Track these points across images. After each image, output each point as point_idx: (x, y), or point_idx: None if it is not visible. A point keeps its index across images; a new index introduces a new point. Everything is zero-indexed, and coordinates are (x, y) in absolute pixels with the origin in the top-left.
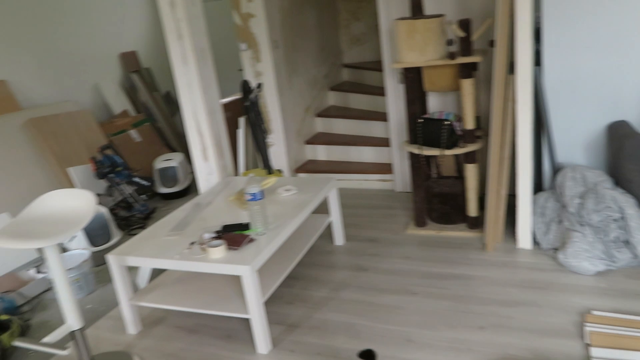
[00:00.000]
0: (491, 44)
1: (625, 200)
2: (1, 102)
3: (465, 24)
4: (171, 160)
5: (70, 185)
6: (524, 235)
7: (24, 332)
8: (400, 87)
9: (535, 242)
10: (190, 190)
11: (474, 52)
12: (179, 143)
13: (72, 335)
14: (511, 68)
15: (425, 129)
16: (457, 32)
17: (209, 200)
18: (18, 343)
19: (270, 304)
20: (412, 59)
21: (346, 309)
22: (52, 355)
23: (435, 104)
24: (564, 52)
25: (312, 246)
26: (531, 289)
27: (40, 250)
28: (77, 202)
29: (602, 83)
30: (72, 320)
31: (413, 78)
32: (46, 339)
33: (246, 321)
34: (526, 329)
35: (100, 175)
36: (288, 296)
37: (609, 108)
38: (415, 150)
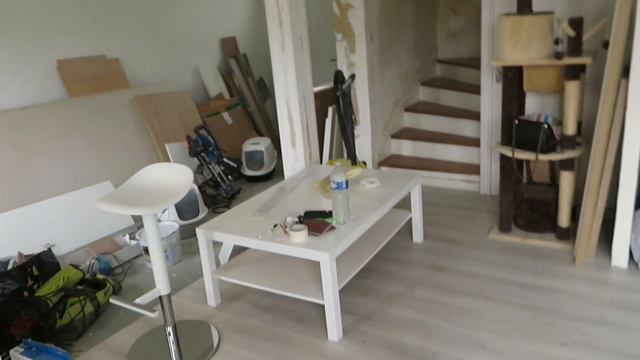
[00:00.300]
0: (605, 45)
1: None
2: (114, 79)
3: (577, 23)
4: (259, 144)
5: (166, 160)
6: (619, 252)
7: (115, 292)
8: (496, 86)
9: (632, 261)
10: (274, 174)
11: (584, 53)
12: (266, 128)
13: (160, 299)
14: (625, 72)
15: (520, 130)
16: (567, 31)
17: (293, 185)
18: (114, 300)
19: (344, 293)
20: (514, 57)
21: (419, 307)
22: (140, 315)
23: (533, 106)
24: None
25: (390, 241)
26: (623, 309)
27: (134, 219)
28: (177, 176)
29: None
30: (162, 286)
31: (513, 77)
32: (138, 300)
33: (319, 307)
34: (614, 351)
35: (193, 153)
36: (362, 287)
37: None
38: (508, 152)
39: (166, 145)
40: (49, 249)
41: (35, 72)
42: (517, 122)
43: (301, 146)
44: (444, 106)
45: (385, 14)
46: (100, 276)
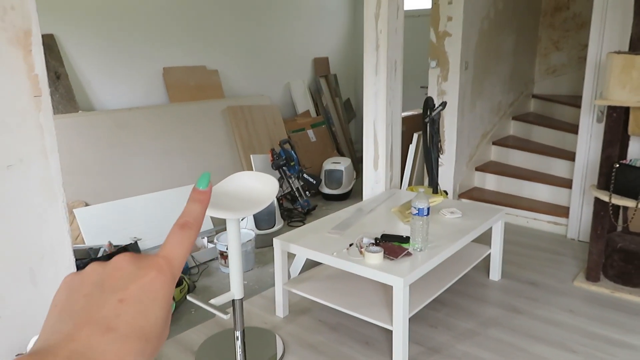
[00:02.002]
0: None
1: None
2: (211, 89)
3: None
4: (339, 163)
5: (250, 169)
6: None
7: (190, 290)
8: (596, 126)
9: None
10: (351, 195)
11: None
12: (348, 149)
13: (233, 303)
14: None
15: (621, 175)
16: None
17: (372, 207)
18: (191, 298)
19: (413, 322)
20: (622, 98)
21: (492, 348)
22: (211, 316)
23: (636, 151)
24: None
25: (465, 275)
26: None
27: (214, 223)
28: (263, 185)
29: None
30: (236, 290)
31: (617, 118)
32: (212, 301)
33: (387, 332)
34: None
35: (276, 166)
36: (432, 319)
37: None
38: (605, 197)
39: (251, 155)
40: (136, 242)
41: (142, 77)
42: (617, 165)
43: (383, 169)
44: (535, 143)
45: (482, 43)
46: None
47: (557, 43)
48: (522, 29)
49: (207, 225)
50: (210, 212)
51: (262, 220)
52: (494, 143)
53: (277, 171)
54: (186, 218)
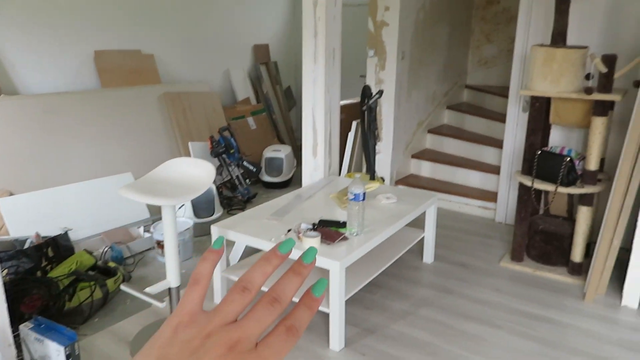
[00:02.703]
0: (636, 84)
1: None
2: (146, 74)
3: (610, 60)
4: (279, 151)
5: (188, 157)
6: (631, 292)
7: (125, 281)
8: (522, 116)
9: None
10: (292, 182)
11: (614, 90)
12: (289, 137)
13: (169, 291)
14: None
15: (542, 161)
16: (599, 67)
17: (310, 193)
18: (125, 287)
19: (350, 305)
20: (544, 88)
21: (424, 327)
22: (146, 306)
23: (557, 138)
24: None
25: (400, 258)
26: (630, 350)
27: (150, 212)
28: (199, 171)
29: None
30: (172, 278)
31: (540, 108)
32: (148, 289)
33: (324, 316)
34: None
35: (215, 153)
36: (368, 301)
37: None
38: (528, 181)
39: (189, 143)
40: (66, 233)
41: (72, 61)
42: (539, 152)
43: (322, 156)
44: (467, 131)
45: (419, 34)
46: (112, 264)
47: (488, 36)
48: (456, 21)
49: (143, 214)
50: (144, 199)
51: (201, 208)
52: (429, 131)
53: (216, 159)
54: (293, 322)
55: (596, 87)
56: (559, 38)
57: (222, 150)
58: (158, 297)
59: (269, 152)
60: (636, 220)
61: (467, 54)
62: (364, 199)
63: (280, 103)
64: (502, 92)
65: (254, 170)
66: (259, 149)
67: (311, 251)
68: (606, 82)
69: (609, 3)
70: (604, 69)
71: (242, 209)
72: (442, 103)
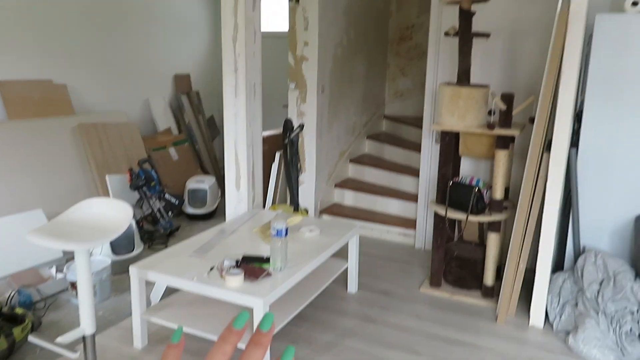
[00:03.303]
0: (531, 120)
1: None
2: (58, 104)
3: (508, 98)
4: (203, 182)
5: (105, 191)
6: (537, 312)
7: (34, 328)
8: (436, 147)
9: (548, 322)
10: (216, 214)
11: (513, 125)
12: (213, 167)
13: (83, 339)
14: (547, 146)
15: (454, 191)
16: (499, 105)
17: (234, 228)
18: (32, 338)
19: (276, 340)
20: (452, 124)
21: (349, 358)
22: (59, 355)
23: (467, 168)
24: (601, 137)
25: (325, 289)
26: None
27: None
28: (115, 212)
29: (635, 173)
30: (87, 325)
31: (449, 141)
32: (59, 339)
33: None
34: None
35: (134, 187)
36: (294, 335)
37: (638, 200)
38: (441, 211)
39: (107, 176)
40: None
41: None
42: (451, 183)
43: (245, 189)
44: (387, 160)
45: (337, 68)
46: (19, 310)
47: (403, 69)
48: (372, 56)
49: (55, 253)
50: (55, 245)
51: (120, 245)
52: (351, 161)
53: (136, 192)
54: None
55: (498, 122)
56: (463, 77)
57: (142, 183)
58: (71, 346)
59: (192, 183)
60: (538, 244)
61: (384, 86)
62: (286, 234)
63: (203, 133)
64: (418, 122)
65: (176, 202)
66: (182, 180)
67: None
68: (506, 118)
69: (506, 45)
70: (503, 107)
71: (165, 244)
72: (363, 133)
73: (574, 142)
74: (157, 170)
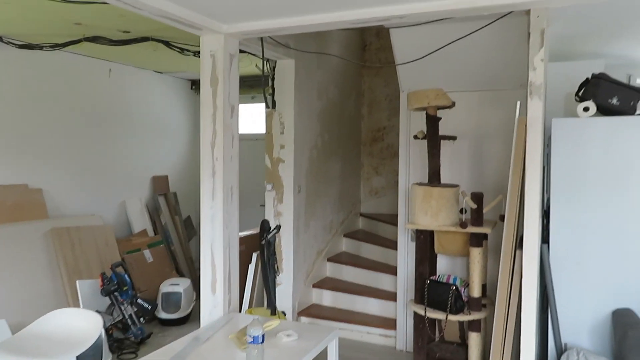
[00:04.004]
0: (501, 218)
1: None
2: (32, 209)
3: (477, 197)
4: (178, 285)
5: (75, 297)
6: None
7: None
8: (412, 244)
9: None
10: (190, 318)
11: (485, 223)
12: (188, 269)
13: None
14: (520, 243)
15: (432, 290)
16: (469, 203)
17: (209, 334)
18: None
19: None
20: (425, 222)
21: None
22: None
23: (444, 266)
24: (570, 233)
25: None
26: None
27: None
28: (83, 323)
29: (607, 268)
30: None
31: (425, 239)
32: None
33: None
34: None
35: (106, 292)
36: None
37: (614, 293)
38: (421, 311)
39: (77, 282)
40: None
41: None
42: (428, 282)
43: (221, 292)
44: (364, 259)
45: (313, 169)
46: None
47: (376, 168)
48: (347, 156)
49: None
50: None
51: (87, 355)
52: (328, 260)
53: (107, 297)
54: None
55: (470, 220)
56: (434, 177)
57: (114, 287)
58: None
59: (166, 287)
60: (519, 343)
61: (359, 184)
62: (262, 341)
63: (180, 234)
64: (393, 219)
65: (149, 307)
66: (156, 283)
67: None
68: (477, 217)
69: (472, 147)
70: (473, 205)
71: (135, 353)
72: (340, 231)
73: (545, 238)
74: (131, 273)
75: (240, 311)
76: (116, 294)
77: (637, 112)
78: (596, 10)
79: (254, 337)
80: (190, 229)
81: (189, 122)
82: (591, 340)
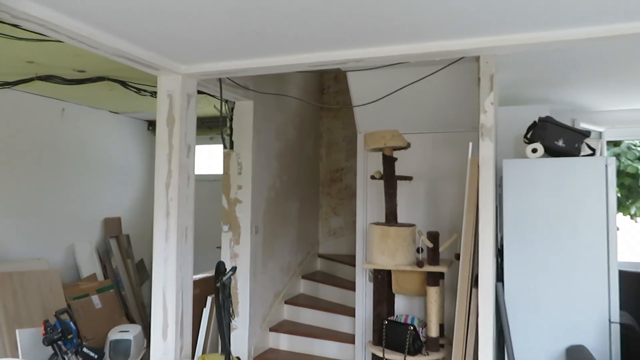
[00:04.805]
0: (457, 257)
1: None
2: None
3: (433, 236)
4: (127, 332)
5: (13, 348)
6: None
7: None
8: (370, 285)
9: None
10: None
11: (441, 262)
12: (140, 314)
13: None
14: (475, 281)
15: (390, 331)
16: (426, 242)
17: None
18: None
19: None
20: (383, 262)
21: None
22: None
23: (402, 306)
24: (523, 271)
25: None
26: None
27: None
28: None
29: (560, 305)
30: None
31: (382, 279)
32: None
33: None
34: None
35: (49, 341)
36: None
37: (567, 330)
38: (379, 352)
39: (17, 331)
40: None
41: None
42: (386, 322)
43: (173, 338)
44: (323, 300)
45: (271, 209)
46: None
47: (335, 209)
48: (305, 197)
49: None
50: None
51: None
52: (286, 302)
53: (50, 347)
54: None
55: (426, 260)
56: (390, 217)
57: (57, 336)
58: None
59: (115, 334)
60: None
61: (318, 225)
62: None
63: (131, 278)
64: (351, 260)
65: (96, 357)
66: (105, 330)
67: None
68: (434, 256)
69: (428, 187)
70: (429, 244)
71: None
72: (297, 273)
73: (500, 276)
74: (77, 320)
75: (193, 358)
76: (60, 342)
77: (582, 153)
78: (541, 58)
79: None
80: (143, 273)
81: (144, 163)
82: None
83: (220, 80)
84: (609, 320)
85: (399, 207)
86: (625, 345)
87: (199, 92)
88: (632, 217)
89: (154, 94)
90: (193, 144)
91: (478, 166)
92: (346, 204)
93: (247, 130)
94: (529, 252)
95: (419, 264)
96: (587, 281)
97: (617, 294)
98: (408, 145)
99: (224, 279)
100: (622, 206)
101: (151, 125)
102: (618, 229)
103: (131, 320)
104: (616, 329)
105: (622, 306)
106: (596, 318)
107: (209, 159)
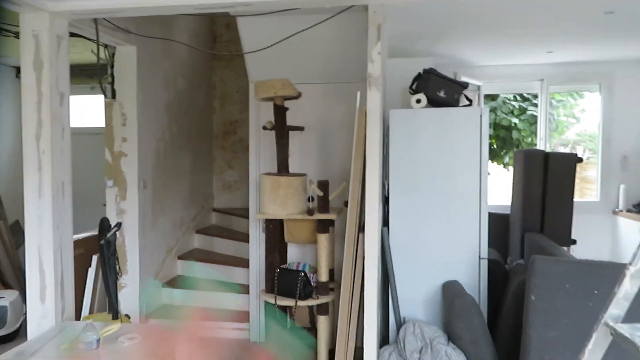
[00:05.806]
0: (346, 204)
1: (456, 355)
2: None
3: (324, 185)
4: (3, 298)
5: None
6: None
7: None
8: (263, 236)
9: None
10: (20, 333)
11: (331, 209)
12: (17, 280)
13: None
14: (362, 227)
15: (282, 278)
16: (316, 191)
17: (36, 347)
18: None
19: None
20: (274, 212)
21: None
22: None
23: (295, 254)
24: (406, 217)
25: None
26: None
27: None
28: None
29: (437, 246)
30: None
31: (274, 229)
32: None
33: None
34: None
35: None
36: None
37: (444, 268)
38: (271, 299)
39: None
40: None
41: None
42: (278, 270)
43: (52, 301)
44: (218, 254)
45: (160, 163)
46: None
47: (229, 162)
48: (198, 150)
49: None
50: None
51: None
52: (179, 257)
53: None
54: None
55: (317, 208)
56: (282, 167)
57: None
58: None
59: None
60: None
61: (212, 179)
62: (98, 346)
63: (5, 240)
64: (246, 213)
65: None
66: None
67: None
68: (324, 204)
69: (319, 138)
70: (320, 193)
71: None
72: (191, 227)
73: (386, 222)
74: None
75: (80, 319)
76: None
77: (460, 104)
78: (426, 11)
79: (87, 344)
80: (19, 235)
81: (15, 115)
82: (425, 312)
83: (96, 21)
84: (479, 256)
85: (291, 157)
86: (491, 278)
87: (73, 34)
88: (505, 165)
89: (18, 35)
90: (67, 92)
91: (366, 116)
92: (241, 157)
93: (130, 78)
94: (411, 198)
95: (310, 212)
96: (461, 223)
97: (487, 233)
98: (299, 95)
99: (108, 235)
100: (497, 156)
101: (20, 72)
102: (489, 174)
103: (7, 286)
104: (484, 264)
105: (490, 244)
106: (469, 256)
107: (92, 111)
